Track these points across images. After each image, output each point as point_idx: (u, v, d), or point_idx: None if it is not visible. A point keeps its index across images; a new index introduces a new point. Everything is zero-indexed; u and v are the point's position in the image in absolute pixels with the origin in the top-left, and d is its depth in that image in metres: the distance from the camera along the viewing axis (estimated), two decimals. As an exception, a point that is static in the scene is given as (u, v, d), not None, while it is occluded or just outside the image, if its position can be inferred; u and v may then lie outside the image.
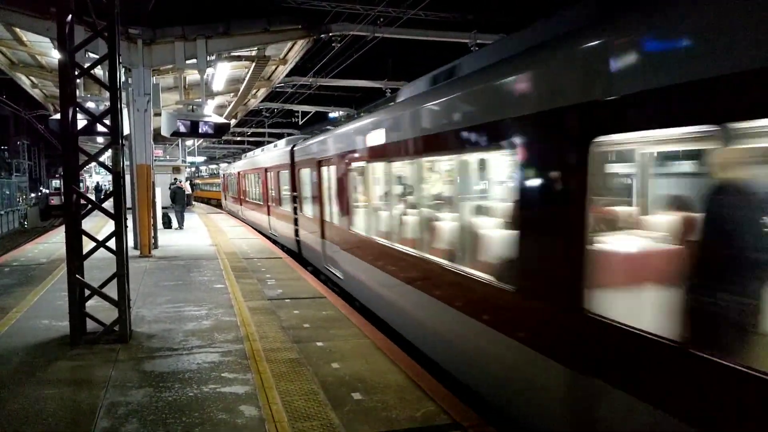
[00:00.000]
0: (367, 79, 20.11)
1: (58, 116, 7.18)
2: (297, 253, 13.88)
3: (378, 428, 4.36)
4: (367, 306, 8.27)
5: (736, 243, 2.89)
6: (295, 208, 13.87)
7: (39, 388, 5.17)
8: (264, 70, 17.02)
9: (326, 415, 4.57)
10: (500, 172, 5.48)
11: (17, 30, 12.89)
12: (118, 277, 6.57)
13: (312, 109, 26.23)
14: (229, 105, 23.09)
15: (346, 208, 9.11)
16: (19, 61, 16.32)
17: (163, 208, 18.70)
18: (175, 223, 19.85)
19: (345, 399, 4.87)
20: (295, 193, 13.78)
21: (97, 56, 7.05)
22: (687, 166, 4.78)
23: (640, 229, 4.66)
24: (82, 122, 7.11)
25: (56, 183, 47.94)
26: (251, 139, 41.51)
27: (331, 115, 26.39)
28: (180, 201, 19.93)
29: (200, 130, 13.10)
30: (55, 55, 12.61)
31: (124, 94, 11.24)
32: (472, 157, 5.71)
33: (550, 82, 3.93)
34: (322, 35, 13.53)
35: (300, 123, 28.35)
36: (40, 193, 54.63)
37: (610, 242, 3.89)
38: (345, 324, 7.25)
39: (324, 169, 10.66)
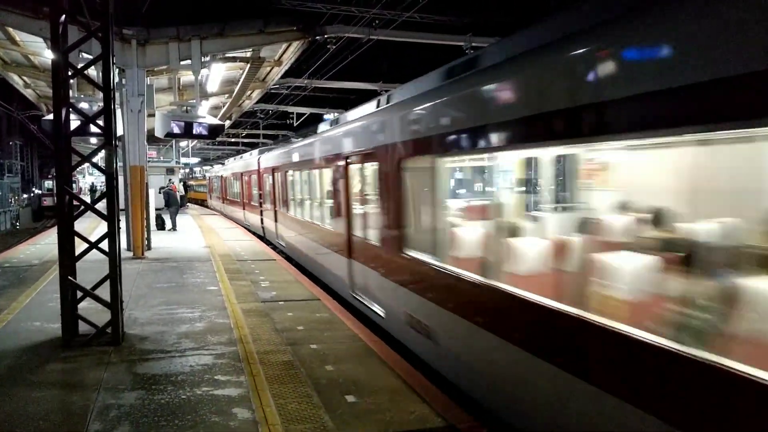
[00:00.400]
0: (362, 82, 20.12)
1: (51, 117, 7.14)
2: (262, 236, 18.39)
3: (371, 430, 4.35)
4: (293, 257, 13.76)
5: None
6: (260, 203, 18.75)
7: (30, 390, 5.13)
8: (259, 71, 17.00)
9: (320, 417, 4.55)
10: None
11: (10, 29, 12.83)
12: (110, 278, 6.53)
13: (307, 110, 26.21)
14: (223, 106, 23.04)
15: (285, 201, 14.39)
16: (12, 61, 16.23)
17: (156, 209, 19.03)
18: (168, 224, 19.80)
19: (338, 401, 4.86)
20: (260, 191, 18.76)
21: (90, 56, 7.03)
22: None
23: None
24: (75, 123, 7.08)
25: (49, 184, 47.67)
26: (246, 140, 41.42)
27: (326, 116, 26.39)
28: (174, 203, 20.08)
29: (194, 132, 13.06)
30: (48, 55, 12.57)
31: (117, 95, 11.18)
32: (327, 171, 10.13)
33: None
34: (318, 37, 13.53)
35: (295, 125, 28.31)
36: (32, 194, 54.30)
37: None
38: (339, 326, 7.24)
39: (277, 174, 15.41)
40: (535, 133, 4.01)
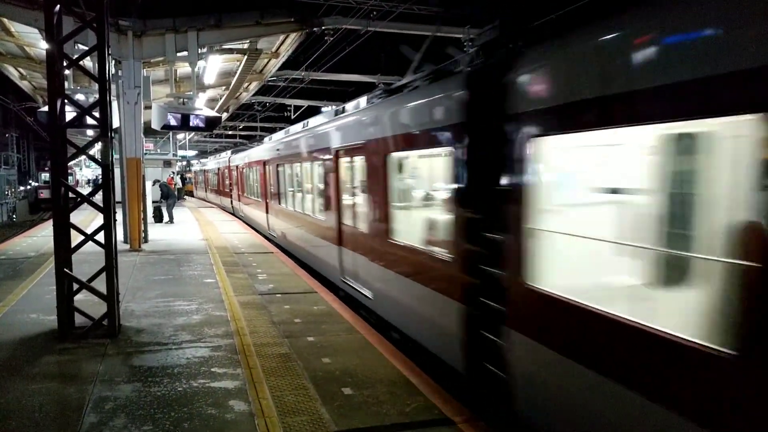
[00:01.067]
0: (360, 74, 20.02)
1: (46, 108, 7.09)
2: (233, 214, 24.80)
3: (368, 423, 4.35)
4: (242, 219, 22.05)
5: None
6: (230, 190, 26.23)
7: (26, 382, 5.12)
8: (256, 63, 16.90)
9: (316, 409, 4.56)
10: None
11: (4, 20, 12.72)
12: (107, 270, 6.51)
13: (304, 103, 26.10)
14: (220, 98, 22.94)
15: (242, 187, 21.98)
16: (6, 52, 16.11)
17: (153, 202, 19.40)
18: (165, 216, 19.78)
19: (335, 394, 4.86)
20: (230, 181, 25.96)
21: (86, 48, 6.96)
22: None
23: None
24: (71, 114, 7.03)
25: (45, 176, 47.49)
26: (243, 133, 41.25)
27: (324, 109, 26.31)
28: (171, 196, 20.24)
29: (191, 124, 13.00)
30: (43, 46, 12.45)
31: (113, 87, 11.12)
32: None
33: None
34: (315, 28, 13.43)
35: (292, 117, 28.20)
36: (29, 186, 54.10)
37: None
38: (336, 319, 7.23)
39: (242, 170, 21.70)
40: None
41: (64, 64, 6.59)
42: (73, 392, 4.90)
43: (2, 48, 15.70)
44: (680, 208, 3.35)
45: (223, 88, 20.55)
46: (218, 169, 31.78)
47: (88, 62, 11.26)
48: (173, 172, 35.09)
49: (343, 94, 24.46)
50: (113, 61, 12.32)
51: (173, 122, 12.76)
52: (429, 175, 6.75)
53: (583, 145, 4.03)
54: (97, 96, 6.58)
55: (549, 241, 3.90)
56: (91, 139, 8.23)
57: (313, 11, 13.30)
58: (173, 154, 33.75)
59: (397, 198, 6.85)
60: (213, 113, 14.59)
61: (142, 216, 13.51)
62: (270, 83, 21.30)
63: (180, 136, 33.96)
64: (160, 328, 6.79)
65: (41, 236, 15.56)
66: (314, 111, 27.17)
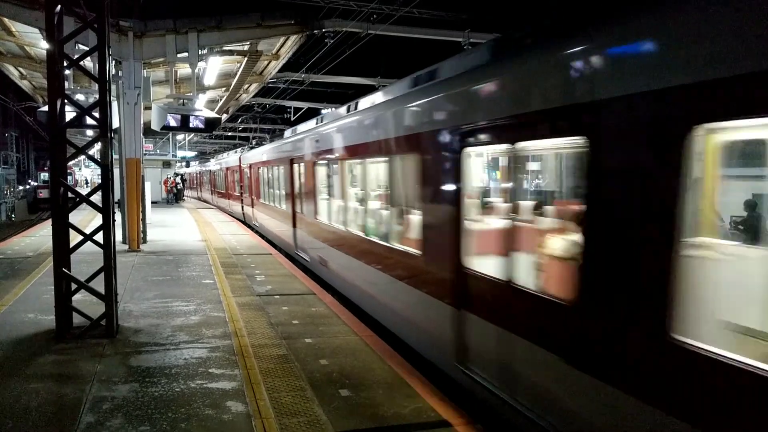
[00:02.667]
0: (360, 76, 20.07)
1: (46, 108, 7.10)
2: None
3: (365, 424, 4.36)
4: (208, 203, 32.86)
5: None
6: (213, 189, 30.63)
7: (23, 382, 5.11)
8: (256, 65, 16.93)
9: (313, 411, 4.56)
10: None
11: (5, 20, 12.73)
12: (105, 271, 6.51)
13: (304, 105, 26.14)
14: (220, 100, 22.96)
15: (214, 185, 30.94)
16: (7, 52, 16.12)
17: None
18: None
19: (333, 395, 4.86)
20: (212, 182, 29.86)
21: (86, 48, 6.98)
22: None
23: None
24: (70, 114, 7.04)
25: (45, 175, 47.47)
26: (243, 134, 41.27)
27: (324, 111, 26.34)
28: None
29: (191, 125, 13.02)
30: (44, 46, 12.46)
31: (113, 87, 11.13)
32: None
33: None
34: (315, 31, 13.47)
35: (292, 119, 28.23)
36: (28, 186, 54.07)
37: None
38: (334, 321, 7.24)
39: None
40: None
41: (65, 64, 6.60)
42: (70, 392, 4.90)
43: (3, 47, 15.71)
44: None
45: (223, 89, 20.56)
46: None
47: (88, 62, 11.26)
48: (175, 173, 35.13)
49: (343, 96, 24.49)
50: (113, 62, 12.35)
51: (173, 123, 12.78)
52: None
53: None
54: (97, 96, 6.60)
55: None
56: (90, 139, 8.25)
57: (314, 14, 13.35)
58: (173, 155, 33.77)
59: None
60: (213, 114, 14.61)
61: (140, 216, 13.52)
62: (270, 85, 21.34)
63: (179, 137, 33.98)
64: (158, 329, 6.79)
65: (40, 236, 15.55)
66: (314, 113, 27.21)
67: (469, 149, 4.92)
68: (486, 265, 4.71)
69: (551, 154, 6.65)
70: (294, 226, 12.47)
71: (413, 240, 6.05)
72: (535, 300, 4.04)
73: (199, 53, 13.19)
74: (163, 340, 6.35)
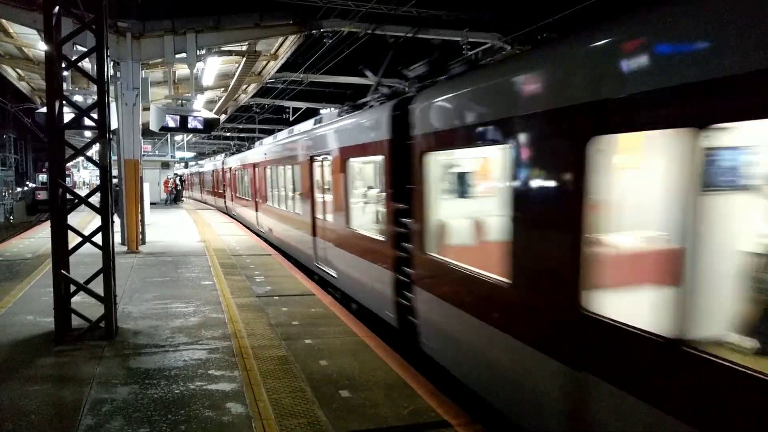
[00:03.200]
0: (359, 77, 20.03)
1: (44, 109, 7.09)
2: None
3: (365, 425, 4.35)
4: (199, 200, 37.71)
5: None
6: (202, 188, 33.77)
7: (22, 384, 5.10)
8: (255, 65, 16.90)
9: (313, 412, 4.55)
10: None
11: (3, 21, 12.71)
12: (104, 272, 6.50)
13: (303, 105, 26.11)
14: (219, 100, 22.92)
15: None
16: (5, 53, 16.09)
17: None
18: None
19: (333, 396, 4.85)
20: (201, 183, 33.91)
21: (85, 49, 6.96)
22: None
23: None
24: (69, 116, 7.02)
25: (43, 177, 47.43)
26: (242, 135, 41.23)
27: (322, 111, 26.33)
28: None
29: (189, 125, 13.00)
30: (42, 48, 12.44)
31: (112, 88, 11.11)
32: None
33: None
34: (314, 31, 13.45)
35: (291, 119, 28.20)
36: (26, 188, 53.98)
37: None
38: (334, 321, 7.23)
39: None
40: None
41: (63, 65, 6.58)
42: (69, 394, 4.89)
43: (1, 49, 15.68)
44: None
45: (222, 89, 20.53)
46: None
47: (86, 63, 11.24)
48: (175, 174, 35.12)
49: (342, 96, 24.47)
50: (112, 63, 12.33)
51: (171, 124, 12.76)
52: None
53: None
54: (95, 97, 6.58)
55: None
56: (89, 140, 8.23)
57: (312, 14, 13.32)
58: (171, 156, 33.74)
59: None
60: (211, 115, 14.60)
61: (139, 218, 13.49)
62: (269, 85, 21.30)
63: (178, 137, 33.94)
64: (158, 331, 6.77)
65: (38, 238, 15.52)
66: (313, 113, 27.20)
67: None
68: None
69: None
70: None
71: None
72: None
73: (198, 54, 13.16)
74: (162, 342, 6.34)
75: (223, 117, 27.56)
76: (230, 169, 25.05)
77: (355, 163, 8.58)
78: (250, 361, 5.71)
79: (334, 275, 9.36)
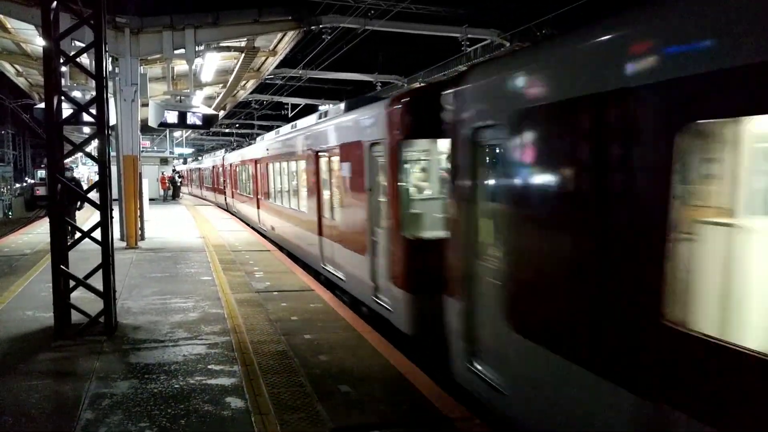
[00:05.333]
0: (358, 72, 20.04)
1: (43, 105, 7.08)
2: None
3: (364, 420, 4.36)
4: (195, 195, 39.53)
5: None
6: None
7: (22, 379, 5.11)
8: (253, 61, 16.89)
9: (313, 407, 4.57)
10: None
11: (1, 17, 12.67)
12: (103, 268, 6.50)
13: (302, 101, 26.09)
14: (217, 96, 22.90)
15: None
16: (3, 49, 16.05)
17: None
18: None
19: (332, 391, 4.87)
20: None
21: (83, 44, 6.95)
22: None
23: None
24: (67, 111, 7.02)
25: (42, 173, 47.38)
26: (240, 131, 41.20)
27: (321, 108, 26.32)
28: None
29: (188, 121, 13.00)
30: (40, 43, 12.41)
31: (110, 84, 11.09)
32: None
33: None
34: (313, 27, 13.44)
35: (290, 115, 28.18)
36: (25, 184, 53.90)
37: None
38: (333, 317, 7.24)
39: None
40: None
41: (61, 61, 6.57)
42: (69, 389, 4.90)
43: (-1, 45, 15.66)
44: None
45: (221, 85, 20.51)
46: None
47: (85, 59, 11.22)
48: (174, 170, 35.06)
49: (340, 92, 24.46)
50: (110, 58, 12.31)
51: (170, 120, 12.76)
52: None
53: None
54: (93, 93, 6.57)
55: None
56: (87, 136, 8.23)
57: (311, 10, 13.31)
58: (170, 152, 33.69)
59: None
60: (210, 111, 14.60)
61: (138, 213, 13.49)
62: (267, 81, 21.29)
63: (177, 133, 33.89)
64: (157, 326, 6.78)
65: (37, 233, 15.51)
66: (311, 109, 27.18)
67: None
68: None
69: None
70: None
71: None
72: None
73: (197, 49, 13.14)
74: (161, 337, 6.35)
75: (221, 113, 27.53)
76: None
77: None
78: (249, 356, 5.73)
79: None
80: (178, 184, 34.50)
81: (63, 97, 6.51)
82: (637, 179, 2.87)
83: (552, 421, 3.57)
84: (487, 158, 4.53)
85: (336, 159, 8.94)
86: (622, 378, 2.93)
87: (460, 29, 14.01)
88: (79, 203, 11.66)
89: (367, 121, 7.68)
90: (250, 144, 25.58)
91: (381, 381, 5.12)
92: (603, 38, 3.19)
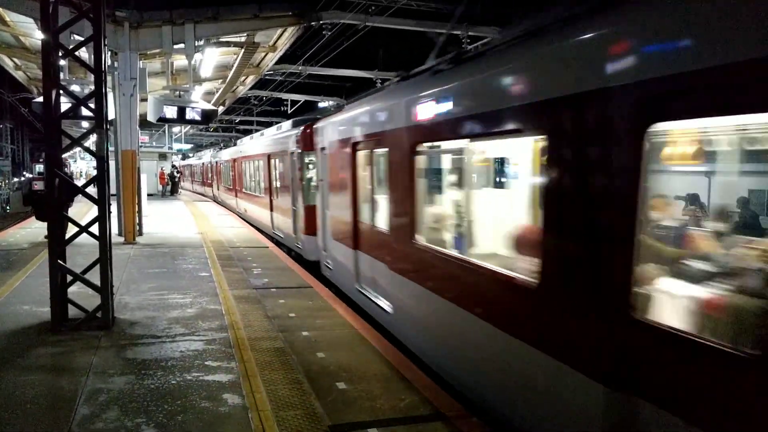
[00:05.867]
0: (358, 69, 19.96)
1: (41, 99, 7.04)
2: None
3: (361, 417, 4.36)
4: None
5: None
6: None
7: (19, 373, 5.10)
8: (253, 56, 16.83)
9: (310, 404, 4.56)
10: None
11: (0, 9, 12.61)
12: (101, 262, 6.48)
13: (301, 98, 26.01)
14: (217, 92, 22.83)
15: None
16: (1, 42, 15.97)
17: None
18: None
19: (329, 388, 4.86)
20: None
21: (82, 38, 6.91)
22: None
23: None
24: (66, 105, 6.98)
25: (40, 167, 47.25)
26: (240, 126, 41.09)
27: (321, 104, 26.23)
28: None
29: (187, 117, 12.96)
30: (39, 36, 12.36)
31: (109, 78, 11.05)
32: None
33: None
34: (313, 23, 13.38)
35: (289, 112, 28.11)
36: (23, 178, 53.74)
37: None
38: (331, 314, 7.23)
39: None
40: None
41: (60, 54, 6.54)
42: (66, 384, 4.89)
43: (-3, 38, 15.58)
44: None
45: (220, 81, 20.45)
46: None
47: (84, 53, 11.18)
48: (172, 165, 34.98)
49: (340, 89, 24.39)
50: (109, 53, 12.25)
51: (169, 115, 12.72)
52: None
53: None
54: (92, 87, 6.54)
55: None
56: (86, 130, 8.18)
57: (312, 5, 13.25)
58: (169, 147, 33.61)
59: None
60: (209, 106, 14.54)
61: (136, 208, 13.46)
62: (267, 77, 21.22)
63: (175, 129, 33.80)
64: (154, 321, 6.77)
65: (35, 228, 15.44)
66: (311, 106, 27.13)
67: None
68: None
69: None
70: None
71: None
72: None
73: (196, 44, 13.09)
74: (159, 333, 6.33)
75: (221, 108, 27.47)
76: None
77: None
78: (247, 352, 5.72)
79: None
80: (177, 179, 34.42)
81: (62, 91, 6.48)
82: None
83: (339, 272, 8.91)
84: (326, 163, 9.46)
85: (278, 160, 14.28)
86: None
87: (460, 26, 13.95)
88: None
89: (291, 139, 12.51)
90: (228, 146, 31.97)
91: (379, 378, 5.11)
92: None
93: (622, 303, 2.99)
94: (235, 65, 17.29)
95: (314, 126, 10.59)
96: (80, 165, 58.24)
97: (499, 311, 4.28)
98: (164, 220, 18.30)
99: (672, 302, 3.14)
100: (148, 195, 19.17)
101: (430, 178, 6.10)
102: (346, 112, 8.83)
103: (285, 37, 14.94)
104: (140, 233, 13.92)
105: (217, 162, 30.39)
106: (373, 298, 7.14)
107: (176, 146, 36.96)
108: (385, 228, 6.66)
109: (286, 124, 14.78)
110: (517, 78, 4.13)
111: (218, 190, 29.65)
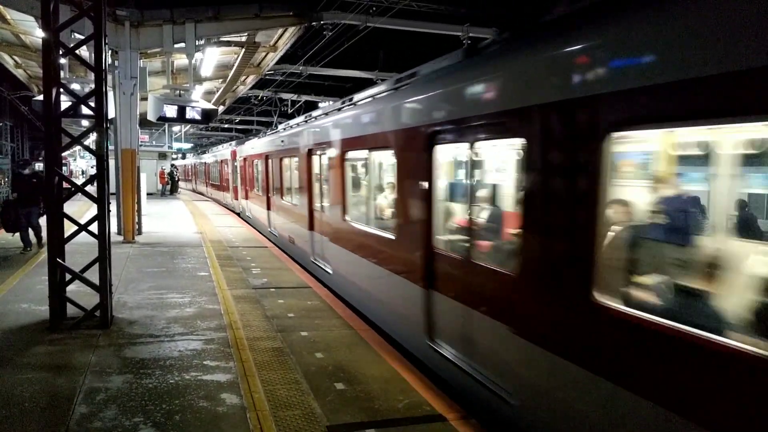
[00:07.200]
0: (358, 70, 19.96)
1: (41, 97, 7.04)
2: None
3: (360, 418, 4.35)
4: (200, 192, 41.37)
5: None
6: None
7: (16, 372, 5.09)
8: (253, 56, 16.83)
9: (308, 404, 4.55)
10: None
11: (0, 7, 12.59)
12: (99, 261, 6.47)
13: (302, 98, 26.00)
14: (217, 91, 22.84)
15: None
16: (2, 40, 15.96)
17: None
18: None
19: (328, 388, 4.86)
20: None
21: (82, 37, 6.91)
22: None
23: None
24: (66, 104, 6.98)
25: (39, 165, 47.17)
26: (239, 126, 41.08)
27: (321, 104, 26.23)
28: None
29: (187, 116, 12.92)
30: (39, 35, 12.36)
31: (110, 77, 11.03)
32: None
33: None
34: (314, 23, 13.39)
35: (289, 112, 28.09)
36: (21, 176, 53.53)
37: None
38: (329, 314, 7.23)
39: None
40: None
41: (60, 52, 6.53)
42: (63, 383, 4.88)
43: (-3, 36, 15.57)
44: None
45: (220, 80, 20.45)
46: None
47: (84, 52, 11.18)
48: (172, 165, 34.97)
49: (341, 89, 24.38)
50: (110, 51, 12.24)
51: (169, 114, 12.68)
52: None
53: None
54: (92, 86, 6.54)
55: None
56: (85, 129, 8.18)
57: (312, 5, 13.25)
58: (168, 146, 33.61)
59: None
60: (210, 105, 14.52)
61: (136, 207, 13.44)
62: (267, 77, 21.21)
63: (175, 128, 33.80)
64: (153, 320, 6.76)
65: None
66: (311, 106, 27.09)
67: None
68: None
69: None
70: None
71: None
72: None
73: (197, 44, 13.09)
74: (157, 332, 6.32)
75: (221, 108, 27.47)
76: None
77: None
78: (245, 352, 5.71)
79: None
80: (176, 179, 34.42)
81: (62, 90, 6.47)
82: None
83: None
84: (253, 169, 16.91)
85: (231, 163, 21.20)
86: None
87: (461, 27, 13.96)
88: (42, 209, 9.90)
89: (226, 152, 21.99)
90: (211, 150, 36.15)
91: (377, 379, 5.10)
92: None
93: None
94: (236, 65, 17.29)
95: (240, 146, 18.15)
96: (80, 163, 58.17)
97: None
98: (163, 220, 18.30)
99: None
100: (148, 194, 19.14)
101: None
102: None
103: (286, 37, 14.94)
104: (139, 232, 13.91)
105: (206, 163, 33.15)
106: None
107: (176, 145, 36.96)
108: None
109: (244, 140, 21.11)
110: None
111: (207, 187, 32.27)
